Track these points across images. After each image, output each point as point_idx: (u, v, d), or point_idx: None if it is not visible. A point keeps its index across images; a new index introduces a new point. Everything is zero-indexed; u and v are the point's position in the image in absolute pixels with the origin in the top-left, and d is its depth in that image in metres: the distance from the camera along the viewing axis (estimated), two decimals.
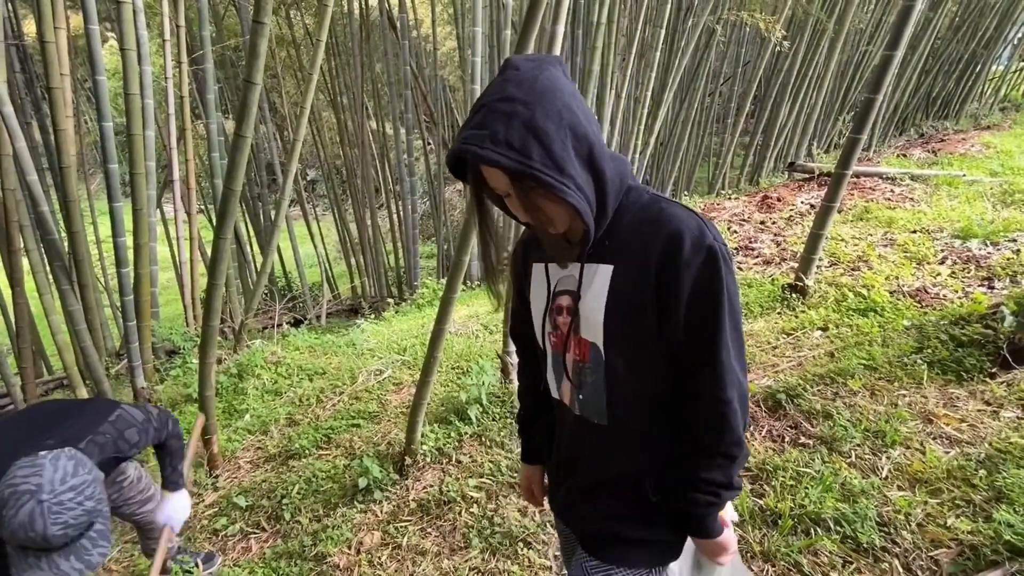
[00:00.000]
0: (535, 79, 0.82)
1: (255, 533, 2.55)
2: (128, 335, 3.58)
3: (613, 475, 1.04)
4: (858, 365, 2.73)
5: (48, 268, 4.34)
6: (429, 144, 8.53)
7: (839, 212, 4.83)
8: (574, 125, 0.83)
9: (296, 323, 6.03)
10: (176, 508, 1.87)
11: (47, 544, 1.23)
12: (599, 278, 0.93)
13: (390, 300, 6.37)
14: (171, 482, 1.88)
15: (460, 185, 10.18)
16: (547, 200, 0.86)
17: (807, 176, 6.50)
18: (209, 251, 5.82)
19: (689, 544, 1.07)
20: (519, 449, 2.72)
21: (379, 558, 2.26)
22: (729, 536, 1.00)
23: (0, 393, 4.95)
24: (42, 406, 1.65)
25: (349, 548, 2.34)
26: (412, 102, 6.73)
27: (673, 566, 1.08)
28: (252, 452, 3.15)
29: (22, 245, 4.34)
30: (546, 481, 1.30)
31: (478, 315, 4.80)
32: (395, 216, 7.63)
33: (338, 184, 8.35)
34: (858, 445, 2.27)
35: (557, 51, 2.70)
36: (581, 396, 1.01)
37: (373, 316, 5.60)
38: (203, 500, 2.83)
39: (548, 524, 2.27)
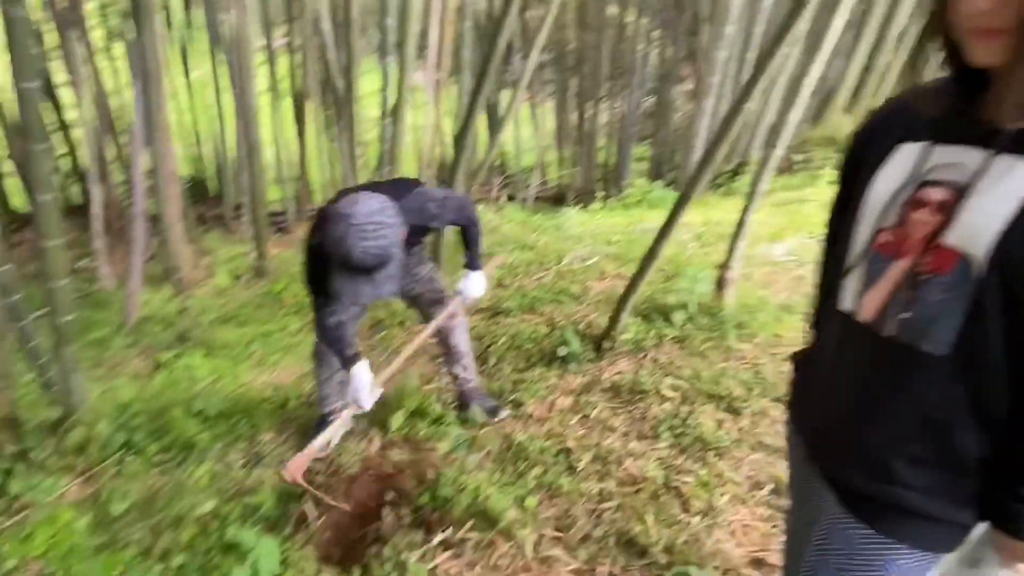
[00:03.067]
0: None
1: None
2: None
3: (914, 422, 0.82)
4: None
5: (325, 111, 5.07)
6: (666, 38, 7.82)
7: None
8: None
9: (508, 199, 6.35)
10: (474, 283, 2.16)
11: (348, 261, 1.55)
12: (1013, 178, 0.70)
13: (598, 194, 6.33)
14: (471, 263, 2.17)
15: (689, 84, 9.33)
16: None
17: None
18: (447, 121, 6.28)
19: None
20: (722, 363, 2.63)
21: (569, 421, 2.42)
22: None
23: (279, 211, 6.13)
24: (369, 183, 2.00)
25: (543, 404, 2.54)
26: None
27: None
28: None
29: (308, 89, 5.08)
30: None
31: (691, 225, 4.54)
32: (616, 110, 7.34)
33: (565, 70, 8.18)
34: None
35: None
36: (908, 314, 0.79)
37: (579, 207, 5.63)
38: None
39: (745, 444, 2.19)
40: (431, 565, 1.76)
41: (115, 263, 4.72)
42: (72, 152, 5.51)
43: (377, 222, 1.55)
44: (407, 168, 7.39)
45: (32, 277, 4.76)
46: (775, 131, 2.87)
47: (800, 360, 1.09)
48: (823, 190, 5.21)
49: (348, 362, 1.91)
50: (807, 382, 1.02)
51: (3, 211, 5.71)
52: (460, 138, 2.99)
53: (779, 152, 2.86)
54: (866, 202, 0.86)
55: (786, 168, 6.01)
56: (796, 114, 2.69)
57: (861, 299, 0.85)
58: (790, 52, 2.67)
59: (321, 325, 1.92)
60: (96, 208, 4.49)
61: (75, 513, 1.98)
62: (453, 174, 3.11)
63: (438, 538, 1.86)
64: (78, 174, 5.88)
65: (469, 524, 1.91)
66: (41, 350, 2.44)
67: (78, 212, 5.99)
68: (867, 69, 6.14)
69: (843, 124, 6.04)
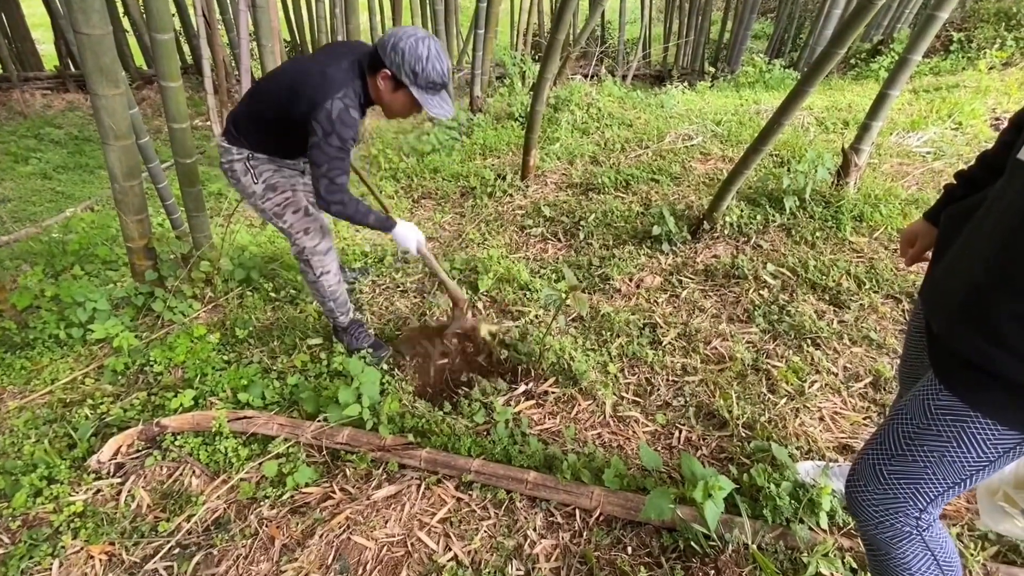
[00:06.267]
0: None
1: (552, 240, 2.87)
2: (476, 43, 3.89)
3: None
4: None
5: None
6: None
7: None
8: None
9: (608, 73, 5.92)
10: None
11: (445, 76, 1.63)
12: None
13: (708, 71, 5.75)
14: None
15: None
16: None
17: None
18: None
19: None
20: (831, 253, 2.44)
21: (656, 298, 2.38)
22: None
23: None
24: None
25: (630, 281, 2.50)
26: None
27: None
28: (558, 176, 3.41)
29: None
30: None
31: (812, 108, 4.06)
32: None
33: None
34: None
35: None
36: None
37: (684, 86, 5.16)
38: (513, 201, 3.24)
39: (847, 337, 2.07)
40: (515, 410, 1.87)
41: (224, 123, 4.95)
42: (180, 13, 5.63)
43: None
44: (501, 37, 6.99)
45: (155, 132, 5.12)
46: None
47: (949, 213, 1.03)
48: (981, 76, 4.43)
49: (388, 227, 1.86)
50: (947, 240, 0.99)
51: (126, 70, 6.03)
52: (561, 6, 2.72)
53: (943, 16, 2.41)
54: None
55: (939, 49, 5.12)
56: None
57: None
58: None
59: (340, 199, 1.72)
60: (206, 67, 4.64)
61: (207, 332, 2.26)
62: (550, 47, 2.87)
63: (522, 388, 1.96)
64: (187, 34, 6.05)
65: (551, 380, 1.99)
66: (169, 192, 2.66)
67: (188, 71, 6.26)
68: None
69: None
